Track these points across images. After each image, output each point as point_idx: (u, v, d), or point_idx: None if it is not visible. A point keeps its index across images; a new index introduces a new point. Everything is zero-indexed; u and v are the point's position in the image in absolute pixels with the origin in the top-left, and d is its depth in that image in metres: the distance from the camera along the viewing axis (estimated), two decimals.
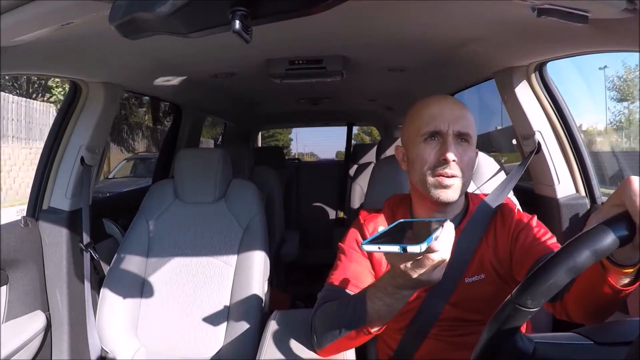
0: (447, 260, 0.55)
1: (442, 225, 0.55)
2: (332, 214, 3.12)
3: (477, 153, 0.86)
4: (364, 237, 0.88)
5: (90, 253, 1.32)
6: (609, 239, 0.43)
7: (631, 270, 0.52)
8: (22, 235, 1.24)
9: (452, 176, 0.76)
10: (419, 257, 0.54)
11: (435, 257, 0.53)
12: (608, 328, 0.52)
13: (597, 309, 0.61)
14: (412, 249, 0.50)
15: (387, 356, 0.89)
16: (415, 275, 0.55)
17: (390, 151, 2.37)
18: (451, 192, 0.77)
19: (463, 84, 1.71)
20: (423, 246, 0.50)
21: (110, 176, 7.55)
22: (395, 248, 0.51)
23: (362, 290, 0.71)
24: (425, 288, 0.81)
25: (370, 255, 0.86)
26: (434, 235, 0.52)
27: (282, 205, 2.31)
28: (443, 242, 0.53)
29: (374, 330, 0.69)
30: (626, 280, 0.53)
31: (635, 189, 0.45)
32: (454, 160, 0.76)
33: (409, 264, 0.55)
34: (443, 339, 0.82)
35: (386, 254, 0.58)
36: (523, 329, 0.84)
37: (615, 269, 0.52)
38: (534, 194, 1.36)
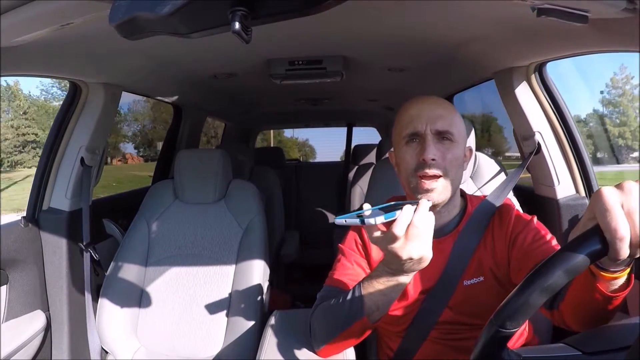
0: (409, 237, 0.59)
1: (402, 208, 0.60)
2: (332, 214, 3.12)
3: (471, 151, 0.85)
4: (362, 239, 0.88)
5: (90, 253, 1.32)
6: (580, 257, 0.43)
7: (620, 275, 0.51)
8: (22, 235, 1.24)
9: (434, 176, 0.75)
10: (392, 232, 0.59)
11: (395, 232, 0.58)
12: (597, 336, 0.52)
13: (591, 317, 0.60)
14: (368, 221, 0.58)
15: (387, 357, 0.89)
16: (390, 248, 0.60)
17: None
18: (435, 194, 0.76)
19: (463, 84, 1.71)
20: (379, 219, 0.58)
21: None
22: (356, 220, 0.58)
23: (358, 282, 0.71)
24: (425, 290, 0.81)
25: (368, 256, 0.86)
26: (395, 213, 0.59)
27: (282, 205, 2.31)
28: (401, 220, 0.59)
29: (372, 321, 0.69)
30: (616, 286, 0.53)
31: (604, 203, 0.43)
32: (433, 160, 0.74)
33: (382, 238, 0.60)
34: (443, 342, 0.82)
35: (368, 232, 0.64)
36: (524, 332, 0.85)
37: (604, 275, 0.52)
38: (534, 194, 1.36)
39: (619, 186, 0.44)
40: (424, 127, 0.76)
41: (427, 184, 0.75)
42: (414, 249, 0.59)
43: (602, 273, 0.52)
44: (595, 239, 0.43)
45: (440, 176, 0.75)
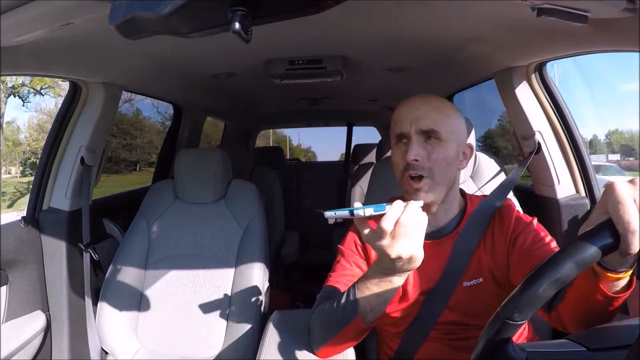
0: (396, 236, 0.58)
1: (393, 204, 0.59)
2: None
3: (472, 149, 0.84)
4: (362, 240, 0.88)
5: (90, 253, 1.32)
6: (592, 250, 0.43)
7: (624, 275, 0.51)
8: (22, 235, 1.24)
9: (419, 176, 0.75)
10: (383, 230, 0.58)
11: (383, 226, 0.57)
12: (601, 333, 0.52)
13: (591, 318, 0.59)
14: (357, 212, 0.57)
15: (387, 357, 0.89)
16: (379, 245, 0.59)
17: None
18: (422, 194, 0.75)
19: (463, 84, 1.71)
20: (367, 210, 0.57)
21: None
22: (345, 212, 0.58)
23: (353, 284, 0.71)
24: (425, 291, 0.81)
25: (368, 257, 0.86)
26: (385, 207, 0.58)
27: (282, 205, 2.30)
28: (390, 214, 0.58)
29: (367, 323, 0.69)
30: (618, 287, 0.53)
31: (617, 196, 0.44)
32: (416, 160, 0.74)
33: (372, 235, 0.60)
34: (442, 342, 0.81)
35: (359, 228, 0.63)
36: (524, 332, 0.85)
37: (608, 275, 0.52)
38: (534, 194, 1.36)
39: (631, 181, 0.45)
40: (408, 127, 0.76)
41: (414, 184, 0.75)
42: (403, 248, 0.58)
43: (606, 273, 0.52)
44: (607, 232, 0.44)
45: (424, 177, 0.75)
